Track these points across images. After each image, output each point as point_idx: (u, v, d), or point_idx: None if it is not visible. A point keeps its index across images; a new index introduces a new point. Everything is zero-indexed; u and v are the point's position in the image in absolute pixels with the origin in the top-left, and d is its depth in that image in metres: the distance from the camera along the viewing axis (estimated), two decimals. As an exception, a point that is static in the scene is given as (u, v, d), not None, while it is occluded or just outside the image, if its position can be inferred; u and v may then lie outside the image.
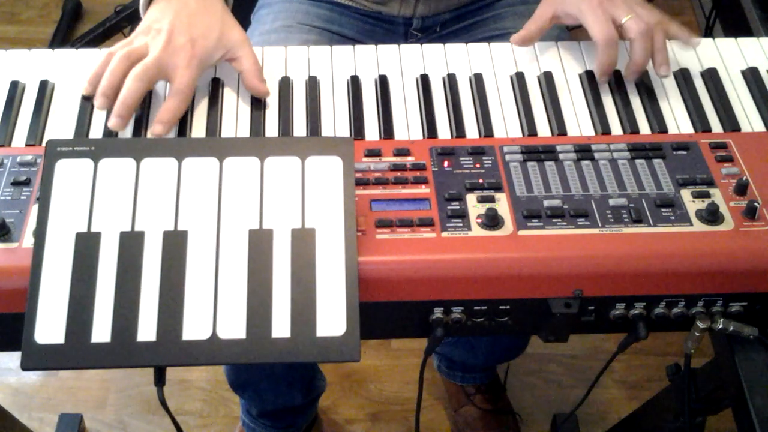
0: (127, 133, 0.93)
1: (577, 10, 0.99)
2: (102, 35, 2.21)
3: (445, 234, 0.82)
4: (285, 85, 0.98)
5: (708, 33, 2.18)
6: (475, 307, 0.84)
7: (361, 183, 0.86)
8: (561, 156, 0.90)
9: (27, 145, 0.92)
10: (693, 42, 1.02)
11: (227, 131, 0.94)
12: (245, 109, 0.97)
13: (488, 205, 0.84)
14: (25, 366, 0.74)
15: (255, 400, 1.52)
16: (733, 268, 0.82)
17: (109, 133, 0.93)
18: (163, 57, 0.90)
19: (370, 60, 1.03)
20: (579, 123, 0.96)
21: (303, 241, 0.78)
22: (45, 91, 0.96)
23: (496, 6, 1.26)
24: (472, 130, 0.95)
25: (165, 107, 0.91)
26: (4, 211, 0.83)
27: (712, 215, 0.83)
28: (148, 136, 0.92)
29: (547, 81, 1.00)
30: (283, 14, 1.23)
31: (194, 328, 0.75)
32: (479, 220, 0.83)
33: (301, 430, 1.63)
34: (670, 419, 1.08)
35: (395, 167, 0.88)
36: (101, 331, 0.74)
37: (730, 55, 1.04)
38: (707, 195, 0.86)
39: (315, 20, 1.23)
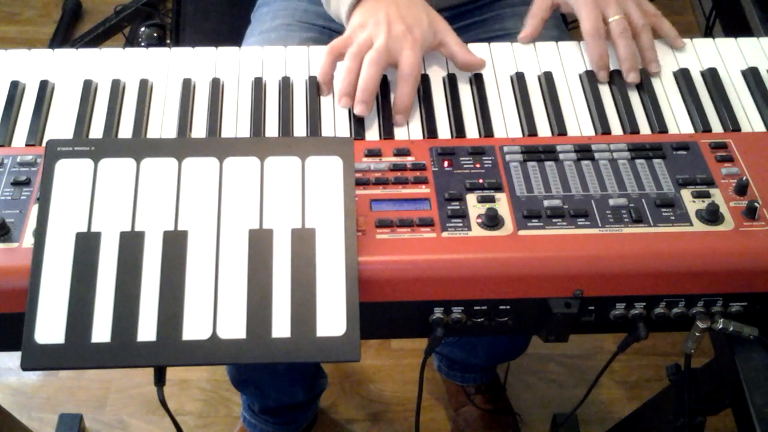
0: (127, 133, 0.94)
1: (575, 3, 1.04)
2: (102, 35, 2.21)
3: (445, 234, 0.82)
4: (285, 85, 0.98)
5: (708, 33, 2.18)
6: (475, 307, 0.84)
7: (361, 183, 0.86)
8: (561, 156, 0.90)
9: (27, 145, 0.92)
10: (678, 43, 1.05)
11: (227, 131, 0.94)
12: (245, 109, 0.97)
13: (488, 205, 0.84)
14: (25, 366, 0.73)
15: (257, 397, 1.53)
16: (733, 268, 0.82)
17: (108, 134, 0.93)
18: (389, 43, 0.94)
19: (370, 60, 1.03)
20: (579, 123, 0.96)
21: (303, 241, 0.78)
22: (45, 91, 0.96)
23: (496, 6, 1.26)
24: (472, 130, 0.95)
25: (399, 95, 0.94)
26: (4, 211, 0.83)
27: (712, 215, 0.83)
28: (395, 126, 0.94)
29: (547, 81, 1.00)
30: (283, 12, 1.23)
31: (194, 328, 0.75)
32: (479, 220, 0.83)
33: (303, 427, 1.63)
34: (670, 419, 1.08)
35: (395, 167, 0.88)
36: (101, 331, 0.74)
37: (730, 55, 1.04)
38: (707, 195, 0.86)
39: (315, 18, 1.23)
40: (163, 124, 0.95)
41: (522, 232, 0.83)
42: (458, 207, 0.84)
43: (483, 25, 1.26)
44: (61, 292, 0.75)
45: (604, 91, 1.00)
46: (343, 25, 1.03)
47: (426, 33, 0.97)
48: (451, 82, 1.00)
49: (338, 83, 0.95)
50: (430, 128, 0.94)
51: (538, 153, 0.90)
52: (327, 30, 1.23)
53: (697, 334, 0.86)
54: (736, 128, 0.95)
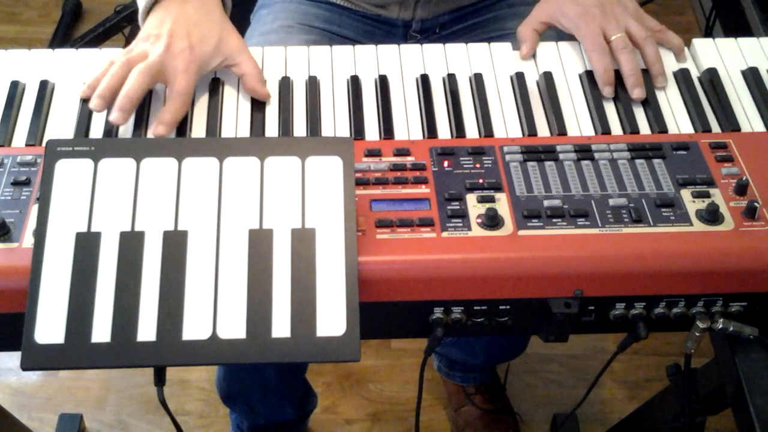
0: (127, 133, 0.94)
1: (573, 24, 1.02)
2: (102, 35, 2.21)
3: (445, 234, 0.82)
4: (285, 85, 0.99)
5: (708, 33, 2.18)
6: (475, 307, 0.84)
7: (361, 183, 0.86)
8: (561, 156, 0.90)
9: (27, 145, 0.92)
10: (681, 58, 1.04)
11: (227, 131, 0.94)
12: (245, 109, 0.97)
13: (488, 205, 0.84)
14: (25, 366, 0.74)
15: (246, 414, 1.51)
16: (733, 268, 0.82)
17: (109, 133, 0.93)
18: (164, 59, 0.91)
19: (370, 60, 1.03)
20: (579, 123, 0.96)
21: (303, 241, 0.78)
22: (45, 91, 0.96)
23: (495, 7, 1.26)
24: (472, 130, 0.95)
25: (166, 108, 0.92)
26: (4, 211, 0.83)
27: (712, 215, 0.83)
28: (149, 135, 0.93)
29: (547, 81, 1.00)
30: (283, 14, 1.23)
31: (194, 328, 0.75)
32: (479, 220, 0.83)
33: None
34: (670, 419, 1.08)
35: (395, 167, 0.88)
36: (101, 331, 0.74)
37: (730, 55, 1.04)
38: (707, 195, 0.86)
39: (314, 21, 1.23)
40: (163, 124, 0.95)
41: (522, 232, 0.83)
42: (458, 207, 0.84)
43: (482, 26, 1.26)
44: (61, 292, 0.75)
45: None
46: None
47: (208, 53, 0.94)
48: (451, 82, 1.00)
49: (101, 85, 0.91)
50: (430, 128, 0.94)
51: (538, 153, 0.90)
52: (327, 32, 1.23)
53: (697, 334, 0.86)
54: (736, 128, 0.95)
